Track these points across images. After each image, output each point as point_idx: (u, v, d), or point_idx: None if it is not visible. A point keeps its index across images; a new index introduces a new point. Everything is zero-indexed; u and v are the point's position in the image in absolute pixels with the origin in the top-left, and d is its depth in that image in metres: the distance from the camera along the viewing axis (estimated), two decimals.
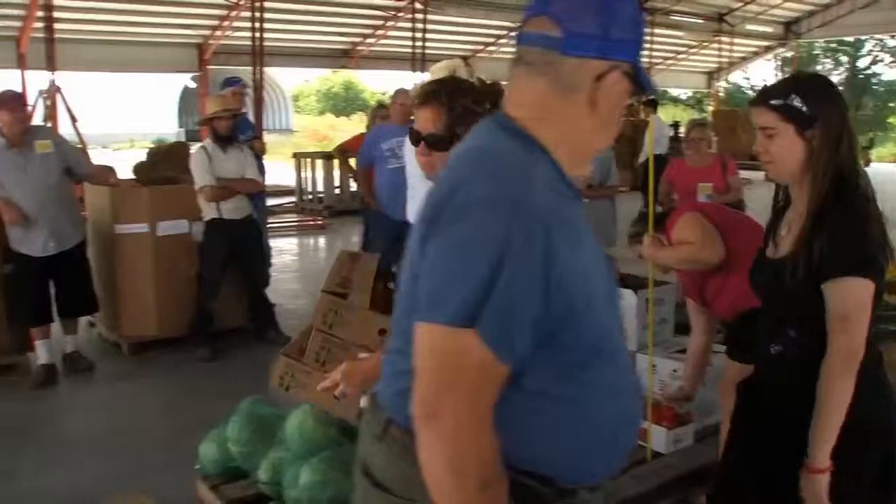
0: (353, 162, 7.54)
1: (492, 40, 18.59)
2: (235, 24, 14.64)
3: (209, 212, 5.48)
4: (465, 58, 17.64)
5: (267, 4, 13.88)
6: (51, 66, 13.08)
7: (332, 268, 2.64)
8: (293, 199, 13.92)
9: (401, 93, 6.41)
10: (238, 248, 5.61)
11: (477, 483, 1.22)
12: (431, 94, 2.15)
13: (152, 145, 17.62)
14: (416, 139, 2.17)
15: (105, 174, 5.78)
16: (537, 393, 1.29)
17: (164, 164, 6.97)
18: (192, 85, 20.23)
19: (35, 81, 12.97)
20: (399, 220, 5.74)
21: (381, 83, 35.68)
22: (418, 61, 16.56)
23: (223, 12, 14.55)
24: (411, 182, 4.54)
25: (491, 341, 1.20)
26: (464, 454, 1.21)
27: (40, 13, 12.82)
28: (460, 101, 2.10)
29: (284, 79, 37.38)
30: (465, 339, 1.20)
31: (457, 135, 2.04)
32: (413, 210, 4.56)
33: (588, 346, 1.32)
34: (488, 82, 2.19)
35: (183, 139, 15.68)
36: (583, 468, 1.37)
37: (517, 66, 1.38)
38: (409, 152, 4.51)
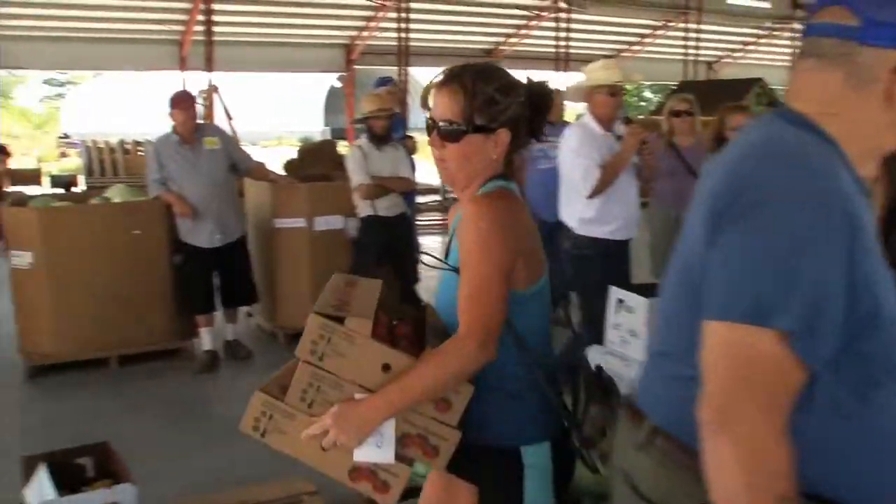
0: None
1: (637, 39, 18.22)
2: (381, 24, 14.94)
3: (365, 209, 5.60)
4: (609, 57, 17.38)
5: (412, 5, 14.11)
6: (209, 66, 13.75)
7: (325, 290, 2.03)
8: (437, 197, 14.06)
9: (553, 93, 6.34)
10: (391, 245, 5.72)
11: (772, 499, 1.14)
12: (453, 75, 1.88)
13: (298, 143, 18.28)
14: (430, 128, 1.90)
15: (265, 170, 6.01)
16: (828, 407, 1.21)
17: (313, 160, 7.18)
18: (338, 84, 20.78)
19: (194, 82, 13.71)
20: (548, 220, 5.71)
21: None
22: (562, 61, 16.42)
23: (370, 13, 14.88)
24: (566, 181, 4.49)
25: (794, 341, 1.14)
26: (760, 465, 1.13)
27: (201, 17, 13.51)
28: (484, 88, 1.84)
29: (427, 78, 37.92)
30: (765, 338, 1.14)
31: (475, 125, 1.83)
32: (568, 211, 4.51)
33: (884, 361, 1.23)
34: (535, 81, 1.97)
35: (329, 137, 16.17)
36: (868, 495, 1.25)
37: (804, 59, 1.33)
38: (565, 152, 4.46)
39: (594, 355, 3.87)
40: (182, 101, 5.31)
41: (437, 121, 1.86)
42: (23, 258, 5.37)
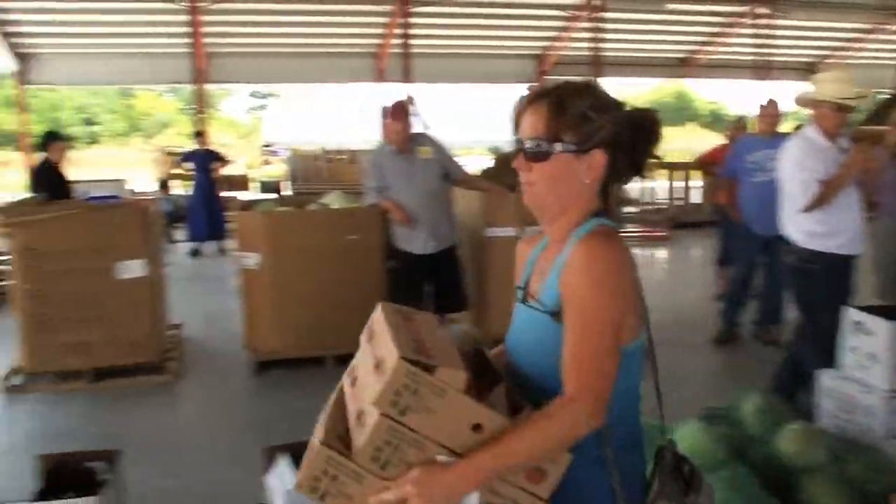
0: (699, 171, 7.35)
1: (843, 45, 17.19)
2: (574, 34, 14.92)
3: None
4: (812, 64, 16.48)
5: (606, 14, 13.99)
6: (407, 78, 14.23)
7: (388, 324, 1.63)
8: (634, 209, 13.85)
9: (769, 103, 6.13)
10: None
11: None
12: (540, 93, 1.70)
13: (488, 152, 18.50)
14: (517, 150, 1.71)
15: (476, 180, 6.11)
16: None
17: (508, 169, 7.23)
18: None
19: (390, 93, 14.26)
20: (765, 234, 5.50)
21: (715, 93, 34.54)
22: (762, 69, 15.76)
23: (563, 23, 14.90)
24: (788, 194, 4.31)
25: None
26: None
27: (398, 31, 14.01)
28: (576, 104, 1.65)
29: (615, 89, 37.59)
30: None
31: (562, 141, 1.64)
32: (792, 224, 4.32)
33: None
34: (641, 107, 1.74)
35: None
36: None
37: None
38: (787, 165, 4.28)
39: (827, 381, 3.69)
40: (397, 112, 5.49)
41: (524, 141, 1.68)
42: (251, 259, 5.77)
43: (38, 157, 7.89)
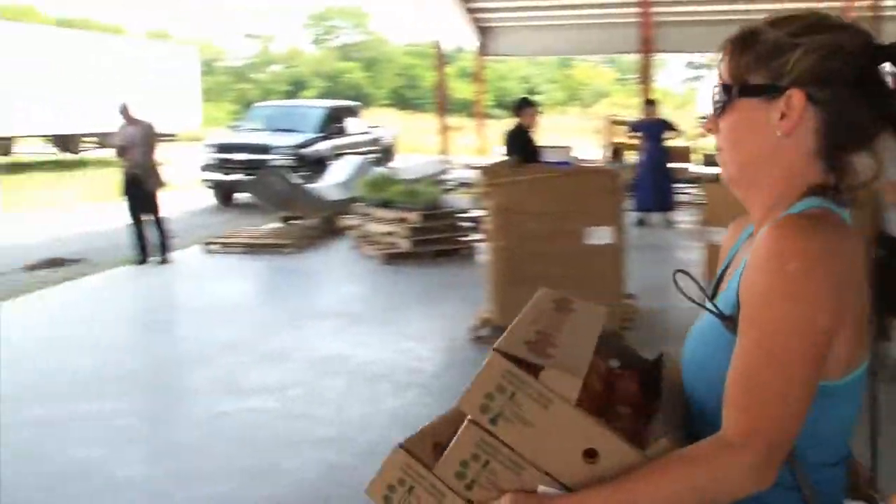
0: None
1: None
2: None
3: None
4: None
5: None
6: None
7: (524, 311, 1.32)
8: None
9: None
10: None
11: None
12: (738, 34, 1.21)
13: None
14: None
15: None
16: None
17: None
18: None
19: None
20: None
21: None
22: None
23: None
24: None
25: None
26: None
27: None
28: (768, 34, 1.16)
29: None
30: None
31: (748, 85, 1.16)
32: None
33: None
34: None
35: None
36: None
37: None
38: None
39: None
40: None
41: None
42: (720, 234, 5.49)
43: (511, 122, 8.40)
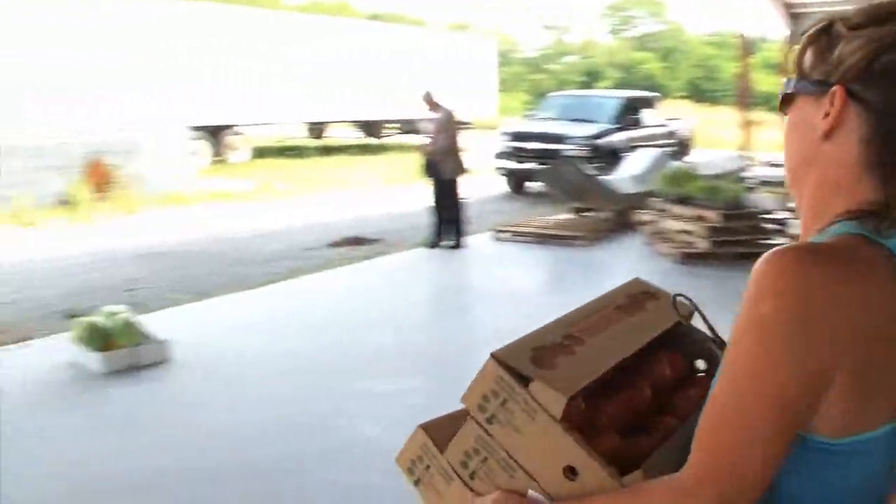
0: None
1: None
2: None
3: None
4: None
5: None
6: None
7: (574, 311, 1.26)
8: None
9: None
10: None
11: None
12: (813, 26, 1.04)
13: None
14: None
15: None
16: None
17: None
18: None
19: None
20: None
21: None
22: None
23: None
24: None
25: None
26: None
27: None
28: (838, 27, 1.00)
29: None
30: None
31: (804, 82, 1.03)
32: None
33: None
34: None
35: None
36: None
37: None
38: None
39: None
40: None
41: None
42: None
43: None
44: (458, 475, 1.18)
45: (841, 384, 0.93)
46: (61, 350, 5.57)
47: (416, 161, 10.65)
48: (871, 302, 0.93)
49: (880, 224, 0.96)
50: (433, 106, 9.33)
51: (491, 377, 1.10)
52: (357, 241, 10.15)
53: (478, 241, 9.91)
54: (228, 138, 19.91)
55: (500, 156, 14.98)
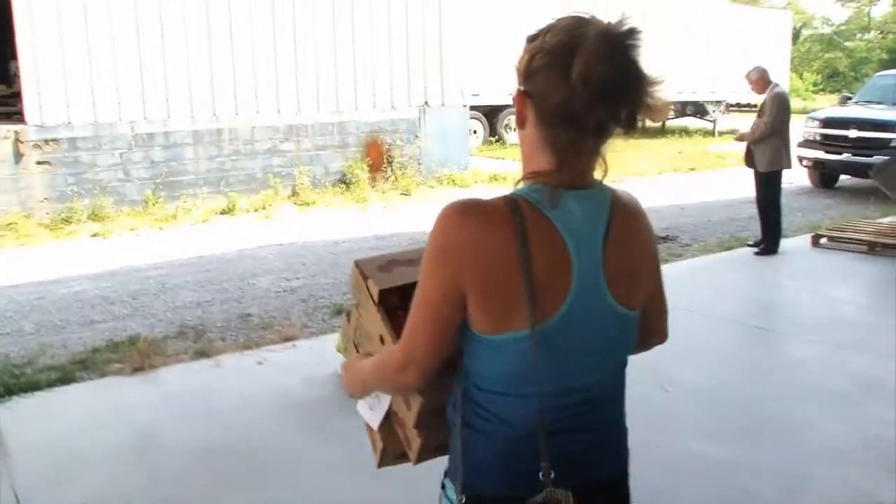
0: None
1: None
2: None
3: None
4: None
5: None
6: None
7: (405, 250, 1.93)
8: None
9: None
10: None
11: None
12: None
13: None
14: None
15: None
16: None
17: None
18: None
19: None
20: None
21: None
22: None
23: None
24: None
25: None
26: None
27: None
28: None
29: None
30: None
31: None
32: None
33: None
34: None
35: None
36: None
37: None
38: None
39: None
40: None
41: None
42: None
43: None
44: (355, 346, 1.84)
45: (473, 299, 1.38)
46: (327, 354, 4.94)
47: (701, 147, 9.33)
48: (495, 247, 1.36)
49: (555, 183, 1.39)
50: (761, 85, 7.94)
51: (352, 275, 1.78)
52: (669, 239, 9.08)
53: (791, 246, 8.44)
54: (508, 117, 19.44)
55: (805, 144, 13.01)
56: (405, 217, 10.79)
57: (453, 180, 13.31)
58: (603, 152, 1.41)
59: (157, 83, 11.21)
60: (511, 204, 1.37)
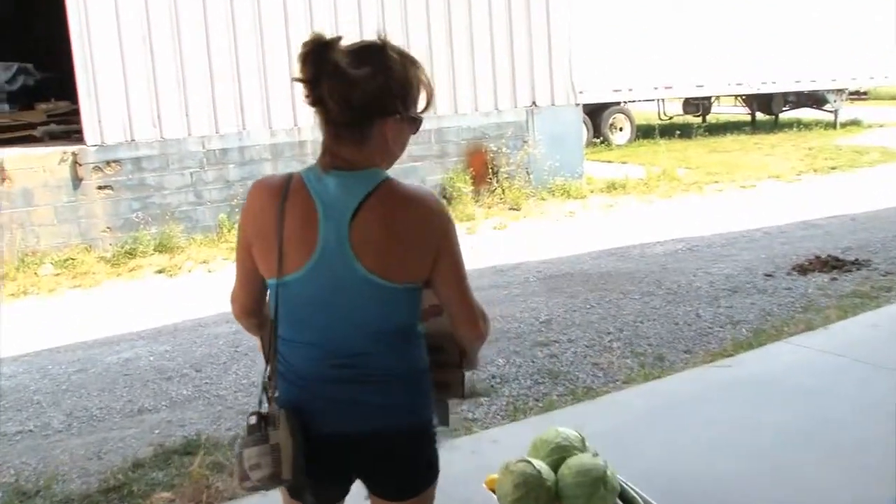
0: None
1: None
2: None
3: None
4: None
5: None
6: None
7: None
8: None
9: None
10: None
11: None
12: None
13: None
14: None
15: None
16: None
17: None
18: None
19: None
20: None
21: None
22: None
23: None
24: None
25: None
26: None
27: None
28: None
29: None
30: None
31: None
32: None
33: None
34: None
35: None
36: None
37: None
38: None
39: None
40: None
41: None
42: None
43: None
44: None
45: (254, 248, 1.77)
46: None
47: (828, 141, 7.30)
48: (263, 208, 1.74)
49: (321, 163, 1.75)
50: None
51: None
52: (833, 264, 7.14)
53: None
54: (613, 116, 17.54)
55: None
56: (521, 238, 9.11)
57: (567, 191, 11.52)
58: (388, 143, 1.76)
59: (229, 93, 9.79)
60: (287, 177, 1.76)
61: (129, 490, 3.69)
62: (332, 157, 1.73)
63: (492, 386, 4.75)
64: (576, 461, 2.93)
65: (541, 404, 4.43)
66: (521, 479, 2.89)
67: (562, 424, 4.11)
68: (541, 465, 2.93)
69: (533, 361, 5.14)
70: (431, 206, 1.76)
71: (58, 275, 8.34)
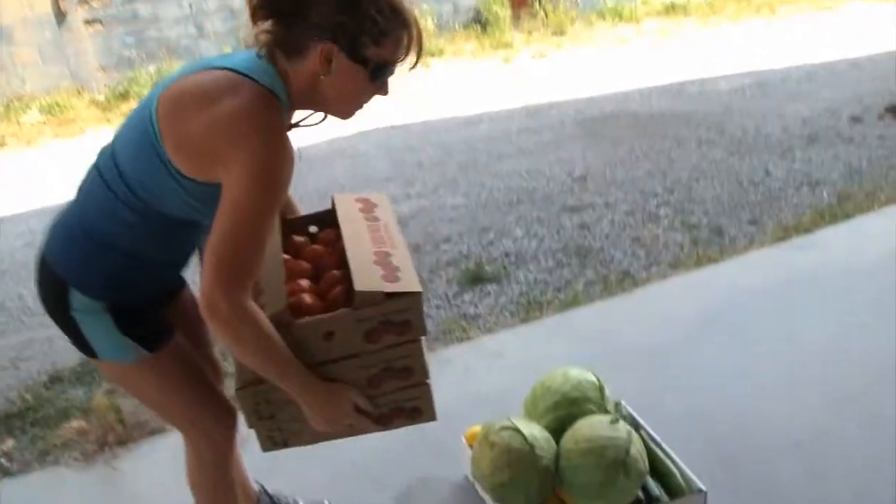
0: None
1: None
2: None
3: None
4: None
5: None
6: None
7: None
8: None
9: None
10: None
11: None
12: None
13: None
14: None
15: None
16: None
17: None
18: None
19: None
20: None
21: None
22: None
23: None
24: None
25: None
26: None
27: None
28: None
29: None
30: None
31: None
32: None
33: None
34: None
35: None
36: None
37: None
38: None
39: None
40: None
41: None
42: None
43: None
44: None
45: None
46: None
47: None
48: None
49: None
50: None
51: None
52: None
53: None
54: None
55: None
56: (561, 70, 7.93)
57: (619, 14, 10.11)
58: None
59: None
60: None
61: (33, 416, 2.96)
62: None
63: (504, 267, 3.86)
64: (587, 429, 2.04)
65: (562, 296, 3.52)
66: (504, 456, 2.02)
67: (585, 326, 3.25)
68: (535, 434, 2.05)
69: (559, 233, 4.20)
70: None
71: (44, 123, 7.52)
